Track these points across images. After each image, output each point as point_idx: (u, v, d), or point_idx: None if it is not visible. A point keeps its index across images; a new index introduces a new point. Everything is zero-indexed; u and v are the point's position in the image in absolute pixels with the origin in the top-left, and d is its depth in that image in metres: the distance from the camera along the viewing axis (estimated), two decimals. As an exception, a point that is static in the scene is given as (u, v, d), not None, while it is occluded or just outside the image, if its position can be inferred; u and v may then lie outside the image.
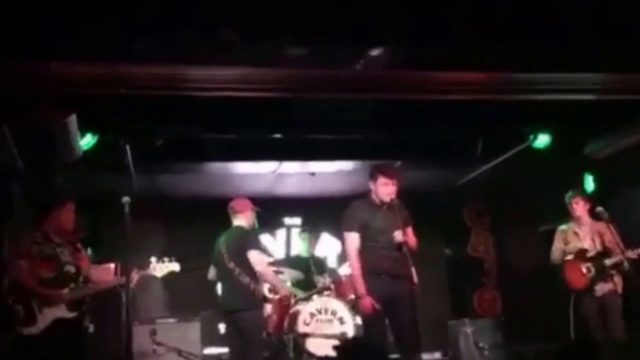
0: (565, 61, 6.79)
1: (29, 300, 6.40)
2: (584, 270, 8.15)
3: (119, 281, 6.90)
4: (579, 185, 9.25)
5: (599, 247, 8.20)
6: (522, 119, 8.53)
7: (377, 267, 6.82)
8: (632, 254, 7.87)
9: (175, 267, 7.33)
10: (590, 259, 8.17)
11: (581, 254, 8.24)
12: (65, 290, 6.57)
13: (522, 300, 10.62)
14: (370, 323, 6.95)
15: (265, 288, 7.98)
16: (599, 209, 8.01)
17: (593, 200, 8.46)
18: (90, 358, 6.81)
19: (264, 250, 8.13)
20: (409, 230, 7.03)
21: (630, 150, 8.65)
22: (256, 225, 8.61)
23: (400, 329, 6.83)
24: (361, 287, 6.74)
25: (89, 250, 7.89)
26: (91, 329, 7.07)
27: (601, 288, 8.06)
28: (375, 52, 6.69)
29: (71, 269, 6.75)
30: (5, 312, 6.43)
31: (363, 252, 6.90)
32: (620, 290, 8.09)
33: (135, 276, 6.82)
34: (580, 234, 8.36)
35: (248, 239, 7.94)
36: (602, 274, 8.06)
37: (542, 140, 8.94)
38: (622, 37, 6.55)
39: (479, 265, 12.60)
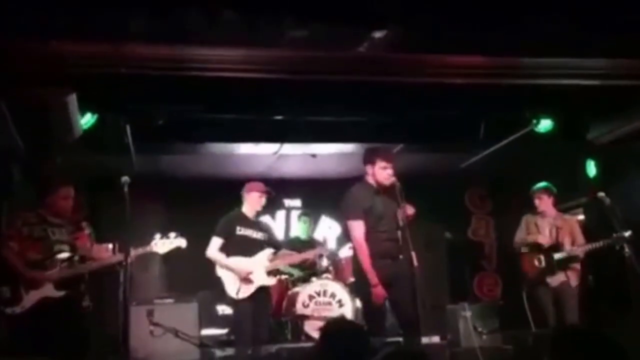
0: (568, 46, 6.76)
1: (16, 281, 6.49)
2: (536, 262, 8.44)
3: (114, 259, 6.89)
4: (580, 171, 9.27)
5: (553, 241, 8.41)
6: (525, 103, 8.51)
7: (378, 251, 6.81)
8: (576, 250, 8.23)
9: (181, 242, 7.31)
10: (543, 252, 8.40)
11: (535, 246, 8.48)
12: (54, 270, 6.61)
13: (521, 284, 10.60)
14: (369, 307, 6.96)
15: (221, 272, 8.06)
16: (601, 194, 7.98)
17: (556, 194, 8.64)
18: (87, 337, 6.79)
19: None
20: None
21: (633, 136, 8.62)
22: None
23: (401, 310, 6.85)
24: (373, 277, 6.68)
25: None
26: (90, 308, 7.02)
27: (553, 280, 8.29)
28: (377, 34, 6.65)
29: (64, 248, 6.78)
30: None
31: (367, 237, 6.88)
32: (574, 282, 8.28)
33: (133, 253, 6.78)
34: (540, 226, 8.59)
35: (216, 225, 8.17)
36: (551, 267, 8.31)
37: (545, 124, 8.90)
38: (626, 22, 6.51)
39: (480, 249, 12.66)
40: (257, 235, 8.20)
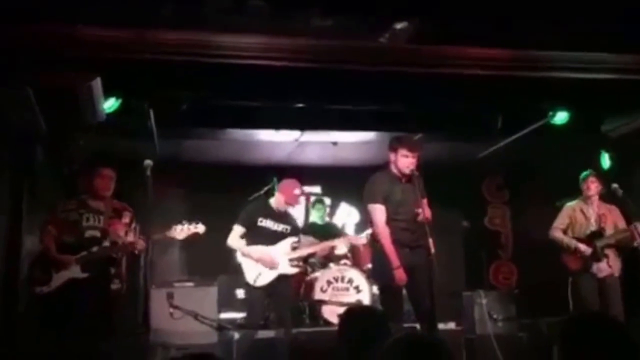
0: (586, 40, 6.82)
1: (48, 263, 6.89)
2: (578, 255, 8.14)
3: (136, 244, 7.12)
4: (595, 163, 9.25)
5: (598, 227, 8.19)
6: (542, 95, 8.49)
7: (396, 239, 6.87)
8: (616, 235, 8.04)
9: (200, 229, 7.49)
10: (586, 240, 8.16)
11: (579, 236, 8.24)
12: (83, 253, 6.91)
13: (537, 273, 10.67)
14: (387, 293, 7.10)
15: (242, 259, 8.15)
16: (614, 186, 7.99)
17: (605, 181, 8.38)
18: (111, 317, 7.02)
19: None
20: (424, 202, 6.99)
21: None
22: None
23: (417, 298, 6.92)
24: (395, 260, 6.73)
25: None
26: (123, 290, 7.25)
27: (599, 269, 8.01)
28: (399, 26, 6.75)
29: (95, 233, 7.09)
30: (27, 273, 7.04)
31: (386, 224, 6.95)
32: (617, 272, 8.07)
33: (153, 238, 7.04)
34: (587, 212, 8.32)
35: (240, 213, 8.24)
36: (595, 254, 8.03)
37: (561, 117, 8.95)
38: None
39: (496, 237, 12.72)
40: (278, 227, 8.18)
